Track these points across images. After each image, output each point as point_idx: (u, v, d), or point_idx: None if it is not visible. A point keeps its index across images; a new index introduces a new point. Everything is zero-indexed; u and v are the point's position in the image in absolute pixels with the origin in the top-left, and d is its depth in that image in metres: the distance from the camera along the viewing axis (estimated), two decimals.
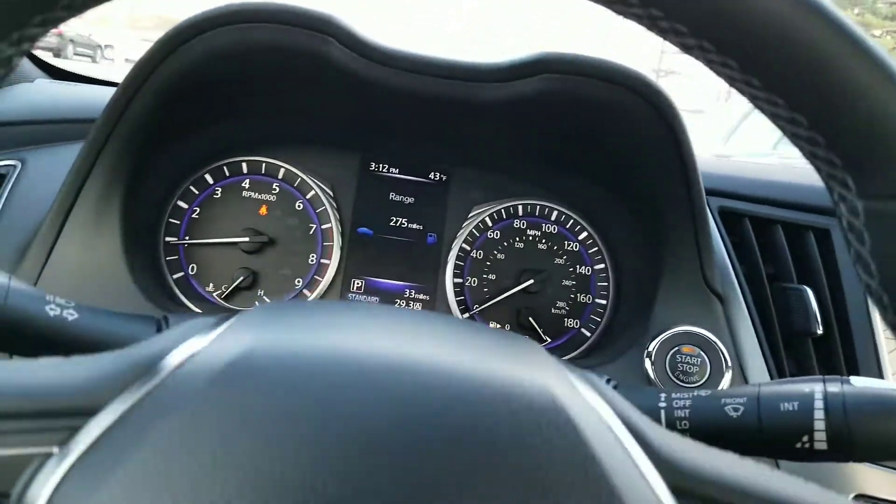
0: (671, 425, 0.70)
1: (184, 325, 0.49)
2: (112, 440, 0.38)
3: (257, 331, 0.46)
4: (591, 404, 0.44)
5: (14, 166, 1.15)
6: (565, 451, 0.38)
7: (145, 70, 1.00)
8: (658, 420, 0.71)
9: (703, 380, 1.09)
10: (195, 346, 0.44)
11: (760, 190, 1.32)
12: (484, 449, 0.38)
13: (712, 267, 1.13)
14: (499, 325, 1.33)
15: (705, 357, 1.10)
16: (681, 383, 1.09)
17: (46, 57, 1.64)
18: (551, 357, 0.54)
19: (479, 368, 0.44)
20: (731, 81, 0.44)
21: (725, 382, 1.09)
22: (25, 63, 1.46)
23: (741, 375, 1.12)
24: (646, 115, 1.04)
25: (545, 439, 0.39)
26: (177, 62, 1.00)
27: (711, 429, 0.69)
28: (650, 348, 1.11)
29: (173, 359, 0.43)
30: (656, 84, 1.03)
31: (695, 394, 0.72)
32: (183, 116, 1.16)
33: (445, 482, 0.36)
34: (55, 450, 0.38)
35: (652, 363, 1.10)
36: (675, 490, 0.40)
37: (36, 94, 1.36)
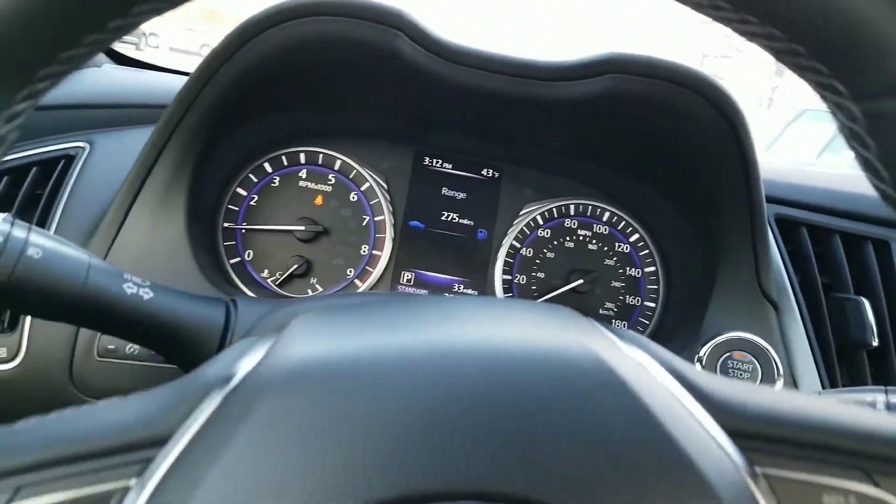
0: None
1: (235, 347, 0.51)
2: (186, 465, 0.39)
3: (307, 339, 0.48)
4: (636, 360, 0.45)
5: (83, 148, 1.18)
6: (619, 410, 0.39)
7: (217, 61, 1.03)
8: None
9: None
10: (250, 362, 0.46)
11: (818, 198, 1.30)
12: (542, 421, 0.38)
13: (769, 275, 1.12)
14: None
15: (757, 364, 1.09)
16: None
17: (128, 50, 1.68)
18: (589, 320, 0.55)
19: (525, 343, 0.45)
20: None
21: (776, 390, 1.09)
22: None
23: (793, 385, 1.11)
24: (712, 119, 1.03)
25: (598, 401, 0.39)
26: (248, 53, 1.03)
27: None
28: (701, 353, 1.10)
29: (232, 377, 0.44)
30: (724, 88, 1.02)
31: None
32: (248, 106, 1.19)
33: (511, 460, 0.37)
34: (133, 482, 0.39)
35: (703, 368, 1.10)
36: (732, 432, 0.40)
37: (104, 78, 1.39)
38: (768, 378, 1.09)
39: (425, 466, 0.36)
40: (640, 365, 0.45)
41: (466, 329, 0.49)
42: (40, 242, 0.70)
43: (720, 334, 1.10)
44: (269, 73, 1.10)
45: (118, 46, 1.64)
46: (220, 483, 0.37)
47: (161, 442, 0.41)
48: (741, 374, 1.09)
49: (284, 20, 1.01)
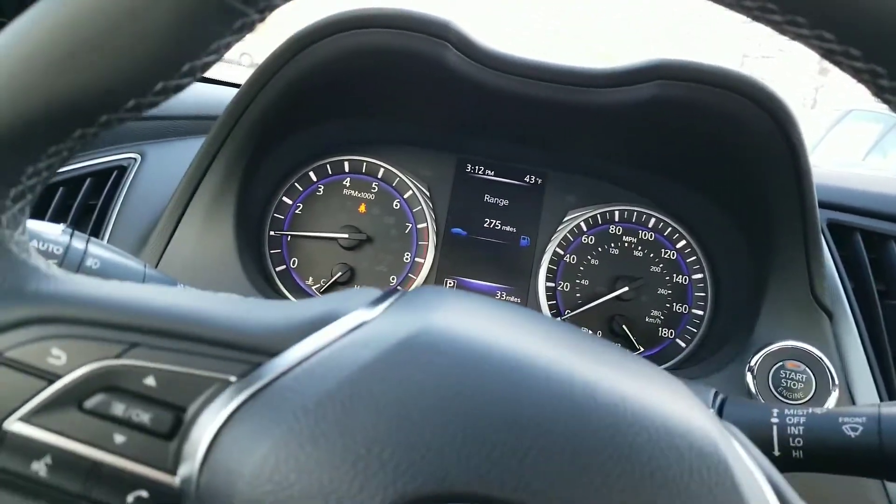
0: (784, 442, 0.68)
1: (346, 293, 0.51)
2: (285, 384, 0.39)
3: (429, 313, 0.47)
4: (742, 457, 0.44)
5: (135, 159, 1.21)
6: (722, 498, 0.39)
7: (268, 72, 1.04)
8: (769, 436, 0.69)
9: (808, 397, 1.05)
10: (364, 315, 0.46)
11: (872, 202, 1.27)
12: (649, 485, 0.38)
13: (822, 281, 1.09)
14: (590, 332, 1.32)
15: (811, 374, 1.06)
16: (784, 400, 1.06)
17: None
18: (699, 399, 0.55)
19: (647, 403, 0.44)
20: None
21: (832, 401, 1.05)
22: None
23: (848, 395, 1.08)
24: (763, 124, 1.01)
25: (706, 484, 0.39)
26: (298, 66, 1.04)
27: (827, 448, 0.66)
28: (752, 363, 1.07)
29: (345, 323, 0.45)
30: (775, 92, 1.00)
31: (809, 411, 0.70)
32: (297, 117, 1.20)
33: None
34: (233, 378, 0.40)
35: (754, 378, 1.07)
36: None
37: None
38: (823, 389, 1.05)
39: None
40: (746, 465, 0.44)
41: (588, 363, 0.49)
42: (98, 253, 0.71)
43: (772, 343, 1.07)
44: (317, 84, 1.11)
45: None
46: (309, 417, 0.37)
47: (271, 353, 0.42)
48: (794, 385, 1.06)
49: (335, 32, 1.02)
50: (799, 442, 0.68)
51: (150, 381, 0.40)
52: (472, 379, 0.41)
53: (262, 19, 0.44)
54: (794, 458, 0.67)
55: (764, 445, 0.68)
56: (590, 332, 1.32)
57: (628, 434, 0.40)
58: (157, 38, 0.40)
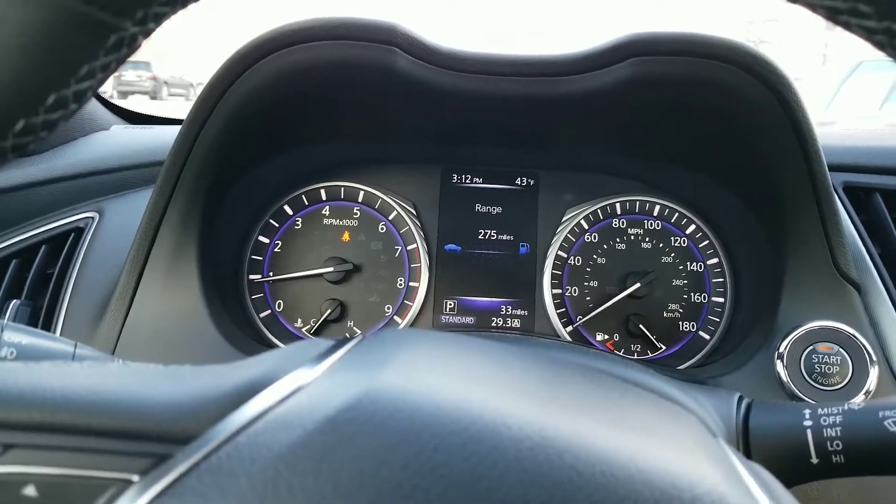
0: (821, 447, 0.60)
1: (290, 349, 0.45)
2: (204, 476, 0.33)
3: (376, 369, 0.41)
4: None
5: (92, 218, 1.13)
6: None
7: (208, 103, 0.96)
8: (804, 442, 0.61)
9: (846, 381, 0.95)
10: (301, 377, 0.40)
11: (889, 159, 1.16)
12: None
13: (844, 252, 0.99)
14: (606, 336, 1.22)
15: (846, 354, 0.96)
16: (819, 386, 0.96)
17: (143, 101, 1.65)
18: (718, 442, 0.45)
19: (638, 460, 0.37)
20: None
21: (872, 382, 0.95)
22: (100, 110, 1.46)
23: (889, 372, 0.97)
24: (754, 90, 0.91)
25: None
26: (239, 92, 0.96)
27: (870, 449, 0.59)
28: (781, 349, 0.98)
29: (277, 390, 0.38)
30: (761, 54, 0.90)
31: (846, 407, 0.62)
32: (253, 147, 1.12)
33: None
34: (135, 478, 0.34)
35: (784, 366, 0.97)
36: None
37: (111, 141, 1.36)
38: (860, 369, 0.95)
39: None
40: None
41: (566, 407, 0.43)
42: (14, 340, 0.63)
43: (800, 326, 0.98)
44: (267, 109, 1.03)
45: (129, 105, 1.61)
46: (247, 500, 0.31)
47: (181, 441, 0.35)
48: (829, 368, 0.96)
49: (272, 51, 0.94)
50: (838, 445, 0.60)
51: (29, 491, 0.34)
52: (424, 460, 0.34)
53: (145, 33, 0.37)
54: (835, 463, 0.60)
55: (800, 453, 0.61)
56: (600, 345, 1.21)
57: None
58: (4, 67, 0.32)
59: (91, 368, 0.42)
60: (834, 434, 0.60)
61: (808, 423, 0.62)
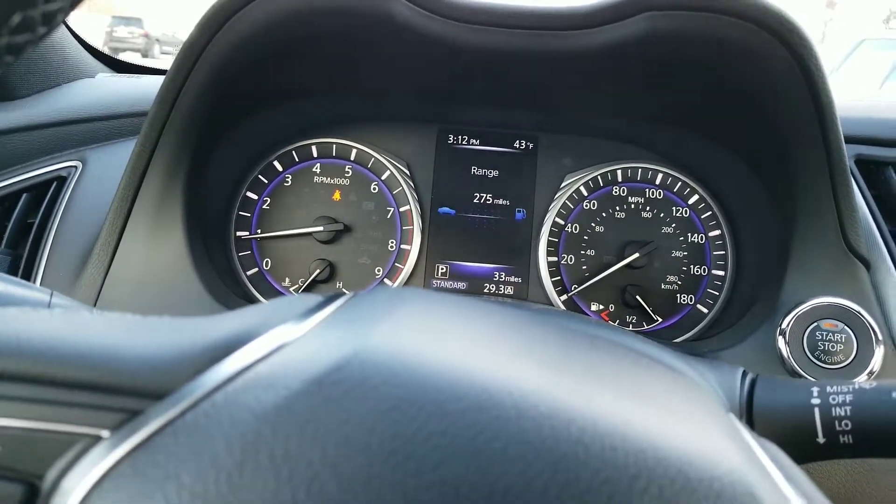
0: (828, 426, 0.57)
1: (273, 303, 0.42)
2: (171, 438, 0.31)
3: (368, 328, 0.38)
4: (783, 492, 0.36)
5: (75, 167, 1.09)
6: None
7: (194, 51, 0.91)
8: (811, 421, 0.58)
9: (850, 359, 0.94)
10: (286, 334, 0.38)
11: None
12: None
13: (856, 227, 0.95)
14: (601, 307, 1.19)
15: (850, 332, 0.94)
16: (822, 364, 0.94)
17: (134, 58, 1.59)
18: (730, 417, 0.43)
19: (656, 441, 0.34)
20: None
21: (877, 361, 0.93)
22: (86, 57, 1.40)
23: (895, 352, 0.94)
24: (774, 52, 0.87)
25: None
26: (227, 38, 0.90)
27: (880, 430, 0.56)
28: (784, 325, 0.95)
29: (259, 346, 0.36)
30: (785, 14, 0.85)
31: (856, 386, 0.59)
32: (242, 98, 1.07)
33: None
34: (105, 433, 0.32)
35: (787, 342, 0.95)
36: None
37: (96, 89, 1.30)
38: (865, 348, 0.93)
39: None
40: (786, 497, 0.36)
41: (572, 377, 0.39)
42: None
43: (804, 301, 0.95)
44: (257, 58, 0.98)
45: (125, 53, 1.55)
46: (208, 478, 0.29)
47: (154, 395, 0.33)
48: (833, 346, 0.94)
49: None
50: (846, 425, 0.57)
51: None
52: (418, 428, 0.31)
53: None
54: (843, 443, 0.57)
55: (806, 432, 0.58)
56: (595, 315, 1.18)
57: (632, 492, 0.30)
58: None
59: (61, 316, 0.39)
60: (843, 413, 0.57)
61: (815, 401, 0.59)
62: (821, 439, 0.58)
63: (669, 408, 0.40)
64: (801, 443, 0.59)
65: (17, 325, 0.36)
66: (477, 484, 0.30)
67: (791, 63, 0.87)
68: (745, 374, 0.66)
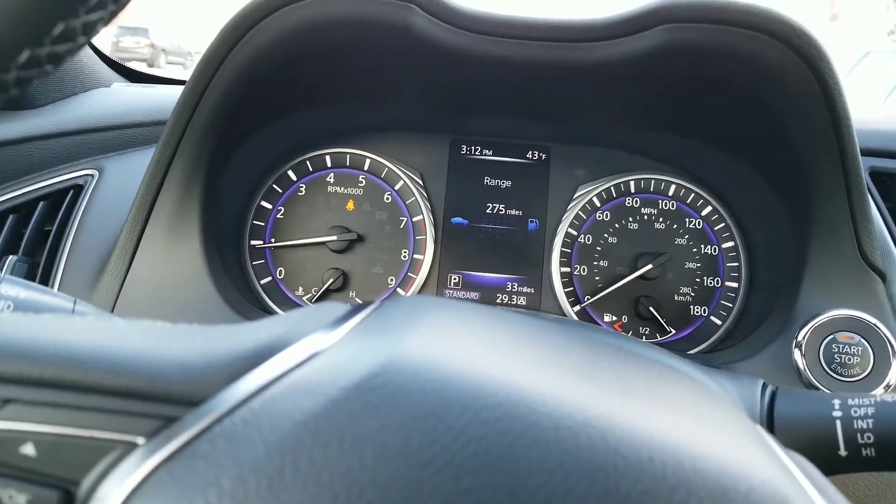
0: (850, 439, 0.57)
1: (303, 312, 0.42)
2: (209, 446, 0.31)
3: (400, 336, 0.38)
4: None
5: (91, 176, 1.09)
6: None
7: (213, 62, 0.92)
8: (832, 433, 0.58)
9: (866, 372, 0.93)
10: (318, 342, 0.37)
11: None
12: None
13: (871, 239, 0.95)
14: (614, 318, 1.19)
15: (867, 345, 0.93)
16: (838, 377, 0.93)
17: (140, 68, 1.60)
18: (760, 431, 0.43)
19: (688, 446, 0.34)
20: None
21: (894, 374, 0.92)
22: (102, 67, 1.41)
23: None
24: (791, 64, 0.87)
25: None
26: (247, 49, 0.91)
27: None
28: (799, 337, 0.95)
29: (292, 354, 0.36)
30: (803, 27, 0.86)
31: (878, 399, 0.59)
32: (259, 108, 1.08)
33: None
34: (140, 440, 0.32)
35: (803, 355, 0.94)
36: None
37: (113, 98, 1.31)
38: (882, 361, 0.93)
39: None
40: None
41: (603, 386, 0.40)
42: (11, 294, 0.60)
43: (820, 314, 0.95)
44: (275, 68, 0.98)
45: (131, 63, 1.56)
46: (247, 484, 0.29)
47: (191, 402, 0.33)
48: (849, 359, 0.94)
49: (281, 6, 0.89)
50: (869, 438, 0.57)
51: (28, 449, 0.32)
52: (456, 434, 0.31)
53: None
54: (865, 456, 0.57)
55: (828, 445, 0.58)
56: (608, 326, 1.18)
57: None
58: None
59: (95, 322, 0.39)
60: (865, 426, 0.57)
61: (837, 413, 0.59)
62: (843, 452, 0.57)
63: (701, 418, 0.40)
64: (822, 455, 0.58)
65: (53, 331, 0.36)
66: (515, 490, 0.29)
67: (808, 75, 0.87)
68: (765, 386, 0.66)
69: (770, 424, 0.62)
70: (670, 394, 0.43)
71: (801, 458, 0.43)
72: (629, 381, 0.42)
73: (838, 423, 0.58)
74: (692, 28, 0.88)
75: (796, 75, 0.88)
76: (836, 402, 0.60)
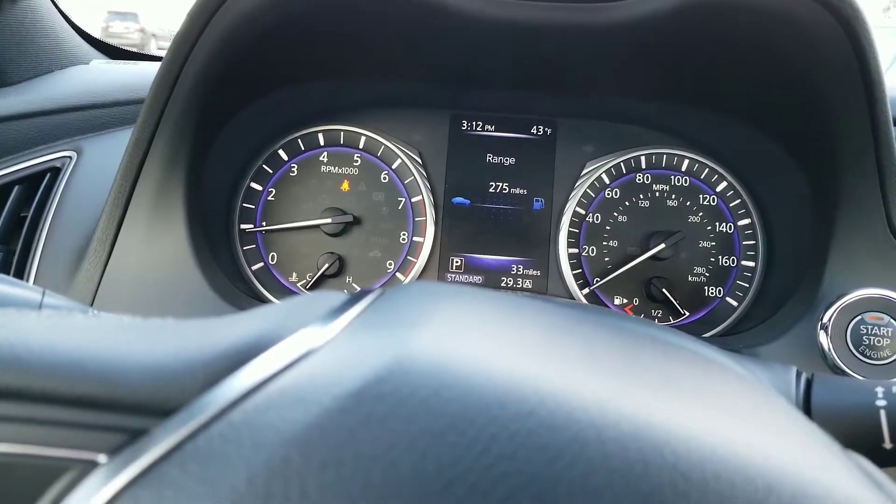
0: None
1: (293, 302, 0.37)
2: (188, 464, 0.26)
3: (406, 331, 0.33)
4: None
5: (69, 158, 1.03)
6: None
7: (194, 30, 0.85)
8: (876, 424, 0.53)
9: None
10: (312, 337, 0.33)
11: None
12: None
13: None
14: (625, 300, 1.13)
15: None
16: (866, 360, 0.89)
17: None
18: (817, 430, 0.38)
19: (755, 458, 0.28)
20: None
21: None
22: (80, 43, 1.34)
23: None
24: (821, 23, 0.80)
25: None
26: (228, 17, 0.85)
27: None
28: (825, 319, 0.90)
29: (281, 353, 0.31)
30: None
31: None
32: (245, 82, 1.01)
33: None
34: (102, 458, 0.27)
35: (829, 337, 0.90)
36: None
37: (92, 76, 1.24)
38: None
39: None
40: None
41: (638, 383, 0.34)
42: None
43: (846, 294, 0.90)
44: (260, 38, 0.92)
45: (112, 40, 1.49)
46: (244, 501, 0.24)
47: (160, 412, 0.28)
48: (879, 341, 0.89)
49: None
50: None
51: None
52: (481, 452, 0.26)
53: None
54: None
55: (871, 437, 0.52)
56: (618, 310, 1.13)
57: None
58: None
59: (51, 319, 0.34)
60: None
61: (881, 402, 0.53)
62: (888, 444, 0.52)
63: (758, 420, 0.34)
64: (865, 449, 0.53)
65: (1, 330, 0.30)
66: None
67: (840, 34, 0.81)
68: (799, 374, 0.60)
69: (806, 415, 0.57)
70: (720, 392, 0.37)
71: (863, 461, 0.38)
72: (675, 378, 0.36)
73: (883, 413, 0.53)
74: None
75: (826, 34, 0.81)
76: (880, 389, 0.55)
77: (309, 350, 0.31)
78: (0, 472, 0.27)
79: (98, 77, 1.22)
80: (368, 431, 0.26)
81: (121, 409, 0.28)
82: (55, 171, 1.02)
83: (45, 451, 0.27)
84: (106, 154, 1.03)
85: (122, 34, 18.65)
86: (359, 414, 0.26)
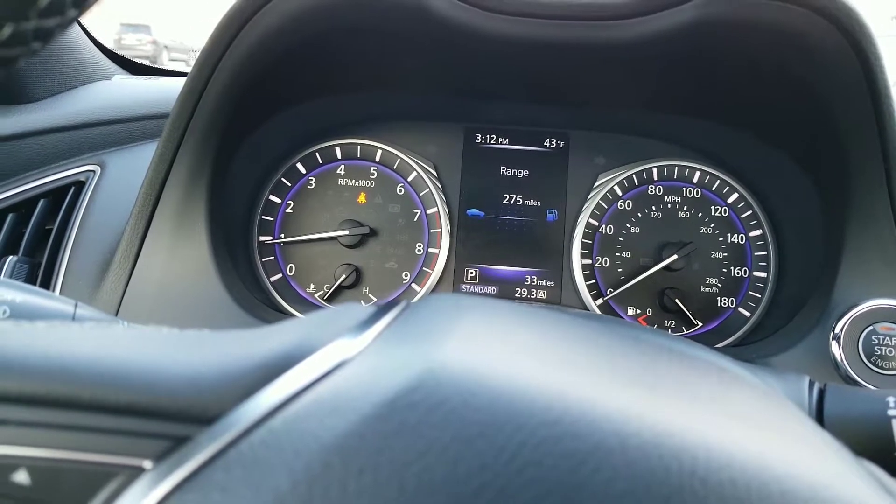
0: None
1: (324, 314, 0.38)
2: (232, 468, 0.27)
3: (436, 342, 0.34)
4: None
5: (93, 171, 1.05)
6: None
7: (218, 47, 0.87)
8: (888, 433, 0.54)
9: None
10: (344, 349, 0.34)
11: None
12: None
13: None
14: (638, 311, 1.14)
15: None
16: (879, 370, 0.90)
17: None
18: (832, 440, 0.39)
19: (772, 465, 0.30)
20: None
21: None
22: (102, 59, 1.37)
23: None
24: (829, 37, 0.82)
25: None
26: (254, 33, 0.87)
27: None
28: (837, 329, 0.91)
29: (315, 364, 0.32)
30: (846, 2, 0.80)
31: None
32: (265, 98, 1.03)
33: None
34: (147, 464, 0.28)
35: (841, 347, 0.90)
36: None
37: (114, 91, 1.27)
38: None
39: None
40: None
41: (664, 395, 0.35)
42: (8, 298, 0.56)
43: (858, 304, 0.91)
44: (282, 54, 0.94)
45: (124, 52, 1.52)
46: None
47: (207, 419, 0.29)
48: (891, 351, 0.90)
49: None
50: None
51: (21, 477, 0.28)
52: (510, 457, 0.27)
53: None
54: None
55: (882, 446, 0.53)
56: (632, 320, 1.14)
57: None
58: None
59: (94, 331, 0.35)
60: None
61: (893, 412, 0.54)
62: None
63: (772, 429, 0.36)
64: (876, 458, 0.54)
65: (48, 341, 0.32)
66: None
67: (847, 51, 0.82)
68: (811, 384, 0.61)
69: (819, 425, 0.58)
70: (736, 402, 0.39)
71: (877, 470, 0.39)
72: (693, 388, 0.38)
73: (894, 422, 0.54)
74: (727, 2, 0.83)
75: (835, 50, 0.83)
76: (892, 399, 0.56)
77: (342, 361, 0.32)
78: (50, 478, 0.28)
79: (120, 92, 1.25)
80: (402, 438, 0.27)
81: (164, 417, 0.29)
82: (79, 185, 1.04)
83: (93, 457, 0.28)
84: (128, 168, 1.06)
85: (135, 46, 18.81)
86: (393, 422, 0.28)
